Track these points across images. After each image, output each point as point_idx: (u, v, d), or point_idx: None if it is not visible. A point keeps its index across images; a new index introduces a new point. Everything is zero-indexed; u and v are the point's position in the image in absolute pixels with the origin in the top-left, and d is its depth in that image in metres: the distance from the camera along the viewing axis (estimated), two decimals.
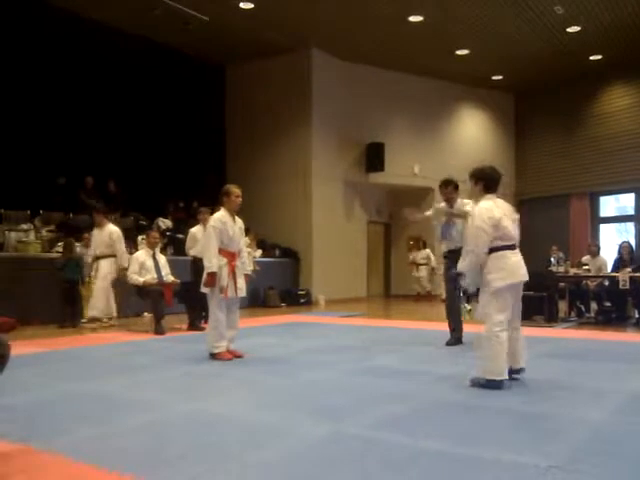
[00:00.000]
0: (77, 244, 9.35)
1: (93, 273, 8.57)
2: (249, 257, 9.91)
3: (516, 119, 17.50)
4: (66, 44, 11.50)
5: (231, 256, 5.36)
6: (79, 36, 11.59)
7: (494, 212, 4.01)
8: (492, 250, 4.00)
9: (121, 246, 8.56)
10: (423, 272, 14.48)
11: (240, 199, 5.48)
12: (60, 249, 9.15)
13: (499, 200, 4.18)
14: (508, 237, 4.03)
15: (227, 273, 5.29)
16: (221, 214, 5.40)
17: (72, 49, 11.64)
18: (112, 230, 8.53)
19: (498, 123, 17.32)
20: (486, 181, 4.16)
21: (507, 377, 4.01)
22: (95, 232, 8.68)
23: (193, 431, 3.07)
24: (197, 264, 7.60)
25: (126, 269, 8.06)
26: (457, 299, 6.65)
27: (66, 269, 8.60)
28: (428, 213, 6.80)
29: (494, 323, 3.95)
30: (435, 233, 6.76)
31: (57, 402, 3.75)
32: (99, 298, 8.29)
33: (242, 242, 5.59)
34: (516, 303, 4.15)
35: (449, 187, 6.32)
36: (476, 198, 4.26)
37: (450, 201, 6.32)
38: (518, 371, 4.24)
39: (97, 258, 8.51)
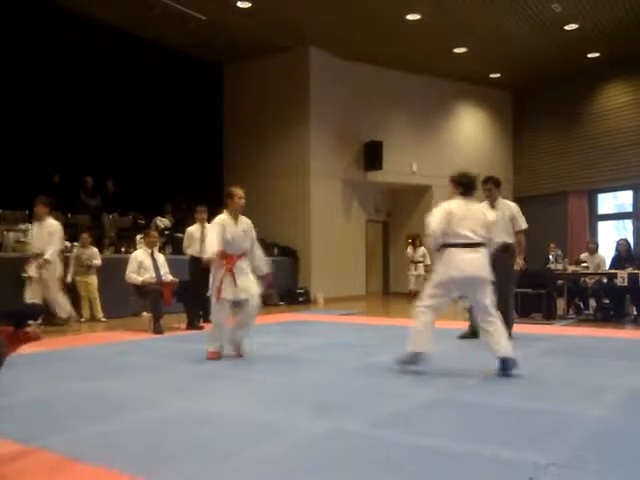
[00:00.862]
0: (75, 244, 9.35)
1: (31, 273, 7.77)
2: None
3: (514, 117, 17.50)
4: (63, 42, 11.48)
5: (229, 258, 5.26)
6: (76, 34, 11.56)
7: (454, 209, 4.41)
8: (442, 246, 4.42)
9: (55, 241, 7.72)
10: (420, 270, 14.44)
11: (243, 200, 5.41)
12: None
13: (474, 204, 4.55)
14: (460, 236, 4.37)
15: (222, 274, 5.21)
16: (222, 217, 5.36)
17: (69, 47, 11.62)
18: (51, 223, 7.83)
19: (496, 121, 17.32)
20: (464, 187, 4.53)
21: (422, 351, 4.44)
22: (35, 226, 7.96)
23: (192, 430, 3.07)
24: (195, 263, 7.67)
25: (47, 261, 7.50)
26: None
27: None
28: None
29: (422, 304, 4.47)
30: None
31: (56, 401, 3.75)
32: (61, 299, 7.91)
33: (248, 243, 5.43)
34: (476, 298, 4.42)
35: (489, 183, 6.44)
36: (451, 198, 4.59)
37: (490, 197, 6.40)
38: (505, 361, 4.30)
39: (37, 255, 7.69)
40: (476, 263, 4.37)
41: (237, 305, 5.35)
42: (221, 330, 5.30)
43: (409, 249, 14.69)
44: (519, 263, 6.46)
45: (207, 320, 8.35)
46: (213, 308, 5.29)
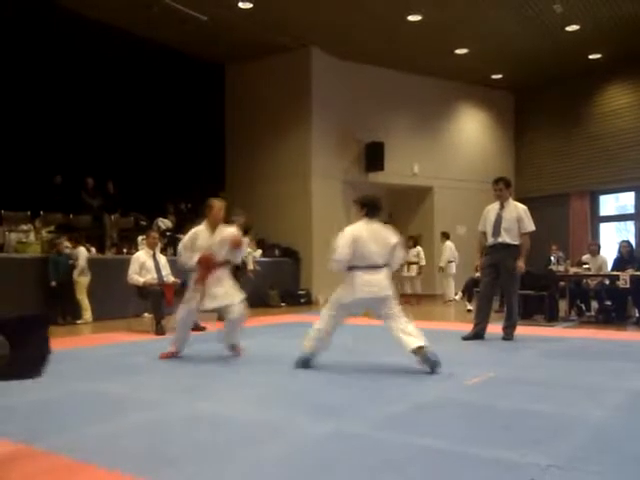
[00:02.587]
0: (67, 244, 9.30)
1: None
2: (249, 257, 9.93)
3: (515, 118, 17.49)
4: (63, 42, 11.48)
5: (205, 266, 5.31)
6: (77, 34, 11.57)
7: (357, 234, 4.59)
8: (349, 268, 4.64)
9: None
10: (413, 272, 14.29)
11: (222, 212, 5.47)
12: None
13: (376, 225, 4.71)
14: (365, 258, 4.58)
15: (197, 281, 5.31)
16: (197, 228, 5.47)
17: (70, 47, 11.62)
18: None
19: (497, 122, 17.31)
20: (369, 208, 4.74)
21: (312, 354, 4.77)
22: None
23: (193, 430, 3.07)
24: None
25: None
26: (490, 293, 6.83)
27: (48, 267, 8.67)
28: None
29: (324, 311, 4.82)
30: (484, 226, 6.81)
31: (57, 402, 3.75)
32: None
33: (224, 252, 5.42)
34: (384, 312, 4.67)
35: (499, 184, 6.52)
36: (356, 219, 4.79)
37: (500, 198, 6.47)
38: (420, 349, 4.49)
39: None
40: (379, 284, 4.60)
41: (217, 312, 5.47)
42: (182, 331, 5.45)
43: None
44: (521, 265, 6.48)
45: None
46: (179, 308, 5.43)
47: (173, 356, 5.47)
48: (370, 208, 4.74)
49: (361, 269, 4.60)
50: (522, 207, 6.65)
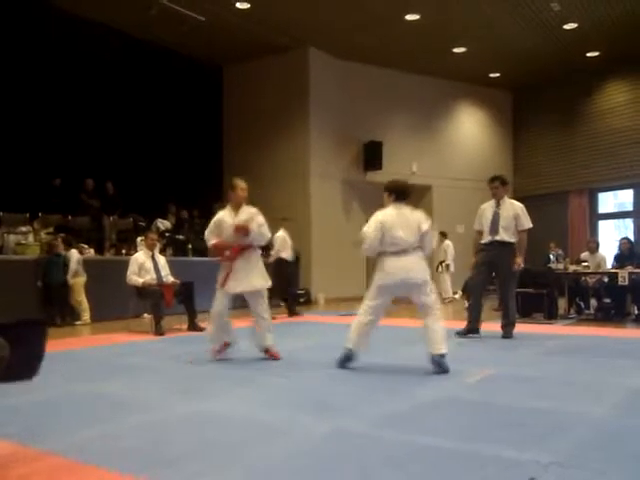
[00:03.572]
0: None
1: None
2: (278, 240, 9.98)
3: (514, 116, 17.50)
4: (62, 44, 11.49)
5: (231, 249, 5.18)
6: (75, 36, 11.58)
7: (385, 219, 4.59)
8: (379, 254, 4.64)
9: None
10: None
11: (245, 193, 5.35)
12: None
13: (406, 210, 4.68)
14: (394, 244, 4.55)
15: (225, 266, 5.21)
16: (221, 212, 5.38)
17: (68, 49, 11.63)
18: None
19: (496, 120, 17.31)
20: (397, 193, 4.73)
21: (354, 350, 4.71)
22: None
23: (193, 431, 3.07)
24: (282, 264, 9.61)
25: None
26: (482, 289, 6.85)
27: (44, 268, 8.67)
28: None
29: (363, 306, 4.72)
30: (481, 224, 6.82)
31: (57, 403, 3.75)
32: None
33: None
34: (414, 297, 4.61)
35: (495, 182, 6.55)
36: (385, 205, 4.77)
37: (496, 196, 6.49)
38: (434, 358, 4.47)
39: None
40: (410, 268, 4.54)
41: (243, 299, 5.32)
42: (218, 324, 5.29)
43: None
44: (518, 262, 6.49)
45: (293, 314, 9.71)
46: (215, 299, 5.28)
47: (225, 348, 5.35)
48: (398, 193, 4.73)
49: (390, 254, 4.57)
50: (519, 205, 6.67)
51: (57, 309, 8.76)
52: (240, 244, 5.20)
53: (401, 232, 4.55)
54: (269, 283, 5.37)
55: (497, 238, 6.56)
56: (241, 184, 5.37)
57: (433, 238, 4.79)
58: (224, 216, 5.32)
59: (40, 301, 8.58)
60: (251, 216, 5.25)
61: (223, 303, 5.27)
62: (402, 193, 4.76)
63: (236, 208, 5.33)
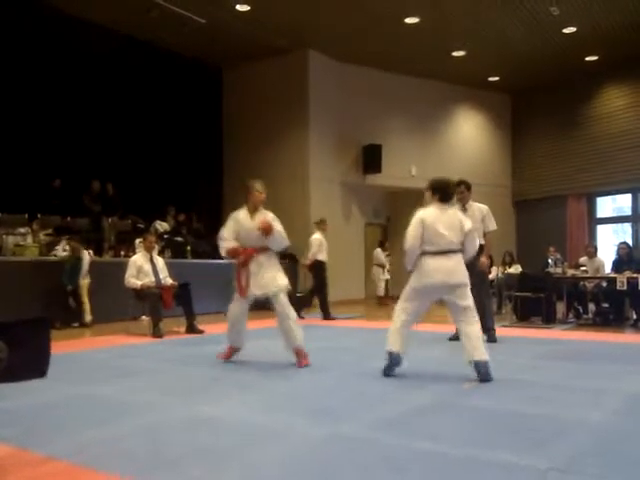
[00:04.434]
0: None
1: None
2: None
3: (512, 120, 17.52)
4: (62, 46, 11.49)
5: (245, 252, 5.09)
6: (75, 37, 11.57)
7: (426, 218, 4.42)
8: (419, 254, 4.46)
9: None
10: (388, 274, 14.24)
11: (263, 195, 5.22)
12: (58, 252, 9.18)
13: (450, 210, 4.54)
14: (435, 243, 4.39)
15: (240, 269, 5.09)
16: (238, 212, 5.26)
17: (68, 51, 11.63)
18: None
19: (495, 124, 17.34)
20: (441, 193, 4.53)
21: (396, 352, 4.46)
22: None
23: (192, 433, 3.06)
24: (322, 267, 9.83)
25: None
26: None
27: (71, 271, 8.72)
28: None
29: (398, 307, 4.56)
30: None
31: (56, 405, 3.75)
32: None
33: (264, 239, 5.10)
34: (454, 302, 4.43)
35: (461, 186, 6.55)
36: (427, 204, 4.60)
37: (462, 200, 6.49)
38: (477, 364, 4.31)
39: None
40: (450, 270, 4.38)
41: (263, 302, 5.25)
42: (234, 328, 5.25)
43: (378, 250, 14.42)
44: (483, 262, 6.49)
45: (328, 317, 9.70)
46: (232, 303, 5.22)
47: (232, 353, 5.32)
48: (443, 193, 4.52)
49: (430, 254, 4.40)
50: (485, 207, 6.70)
51: (78, 310, 8.83)
52: (255, 247, 5.09)
53: (444, 230, 4.38)
54: (286, 282, 5.20)
55: None
56: (257, 186, 5.22)
57: (476, 240, 4.66)
58: (242, 218, 5.18)
59: (47, 303, 8.53)
60: (271, 220, 5.13)
61: (241, 307, 5.20)
62: (447, 193, 4.56)
63: (253, 211, 5.21)
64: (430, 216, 4.43)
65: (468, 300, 4.43)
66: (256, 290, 5.08)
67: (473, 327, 4.40)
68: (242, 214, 5.22)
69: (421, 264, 4.43)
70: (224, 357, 5.35)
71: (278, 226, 5.15)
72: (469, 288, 4.46)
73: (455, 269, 4.39)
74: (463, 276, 4.42)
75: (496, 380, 4.39)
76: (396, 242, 16.57)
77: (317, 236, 9.97)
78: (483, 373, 4.30)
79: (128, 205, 11.96)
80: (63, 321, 8.71)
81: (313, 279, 10.03)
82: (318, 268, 9.89)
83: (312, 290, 10.21)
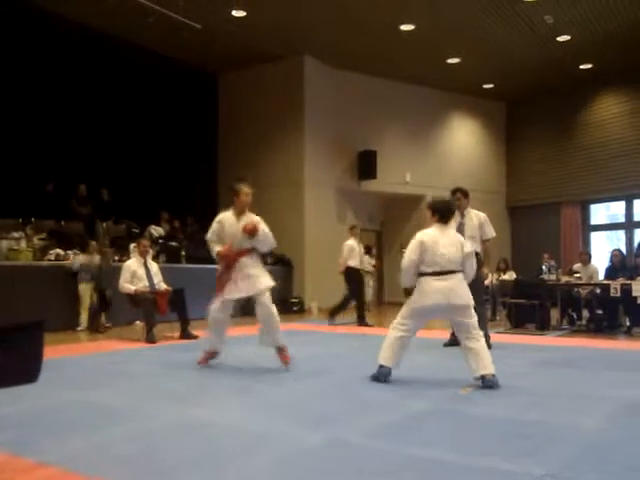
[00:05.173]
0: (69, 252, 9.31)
1: None
2: None
3: (507, 127, 17.60)
4: (57, 50, 11.47)
5: (230, 255, 5.12)
6: (71, 42, 11.55)
7: (426, 239, 4.43)
8: (418, 275, 4.46)
9: None
10: (371, 282, 14.16)
11: (249, 197, 5.26)
12: (52, 257, 9.17)
13: (450, 230, 4.60)
14: (436, 263, 4.39)
15: (223, 272, 5.14)
16: (224, 214, 5.28)
17: (63, 55, 11.61)
18: None
19: (489, 131, 17.41)
20: (441, 214, 4.56)
21: (388, 366, 4.51)
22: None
23: (187, 439, 3.05)
24: (354, 273, 9.63)
25: None
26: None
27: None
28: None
29: (395, 323, 4.56)
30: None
31: (48, 411, 3.72)
32: None
33: (249, 241, 5.15)
34: (456, 320, 4.48)
35: (457, 194, 6.54)
36: (427, 225, 4.63)
37: (459, 208, 6.47)
38: (483, 379, 4.31)
39: None
40: (451, 291, 4.37)
41: (244, 304, 5.26)
42: (216, 331, 5.25)
43: (366, 257, 14.32)
44: (484, 272, 6.49)
45: (363, 324, 9.67)
46: (213, 306, 5.21)
47: (210, 358, 5.32)
48: (443, 214, 4.55)
49: (430, 275, 4.39)
50: (482, 214, 6.70)
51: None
52: (240, 249, 5.12)
53: (444, 249, 4.40)
54: (272, 283, 5.23)
55: None
56: (244, 189, 5.23)
57: (474, 264, 4.66)
58: (227, 220, 5.20)
59: (47, 307, 8.48)
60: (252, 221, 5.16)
61: (223, 310, 5.20)
62: (447, 214, 4.58)
63: (239, 214, 5.23)
64: (430, 237, 4.45)
65: (473, 318, 4.44)
66: (240, 292, 5.12)
67: (479, 343, 4.41)
68: (228, 216, 5.24)
69: (422, 285, 4.43)
70: (203, 362, 5.35)
71: (265, 228, 5.20)
72: (472, 309, 4.46)
73: (457, 289, 4.39)
74: (467, 297, 4.42)
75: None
76: (391, 248, 16.62)
77: (349, 242, 9.86)
78: (491, 385, 4.29)
79: (123, 210, 11.93)
80: (64, 325, 8.69)
81: (346, 285, 9.85)
82: (350, 274, 9.70)
83: (346, 297, 10.09)
